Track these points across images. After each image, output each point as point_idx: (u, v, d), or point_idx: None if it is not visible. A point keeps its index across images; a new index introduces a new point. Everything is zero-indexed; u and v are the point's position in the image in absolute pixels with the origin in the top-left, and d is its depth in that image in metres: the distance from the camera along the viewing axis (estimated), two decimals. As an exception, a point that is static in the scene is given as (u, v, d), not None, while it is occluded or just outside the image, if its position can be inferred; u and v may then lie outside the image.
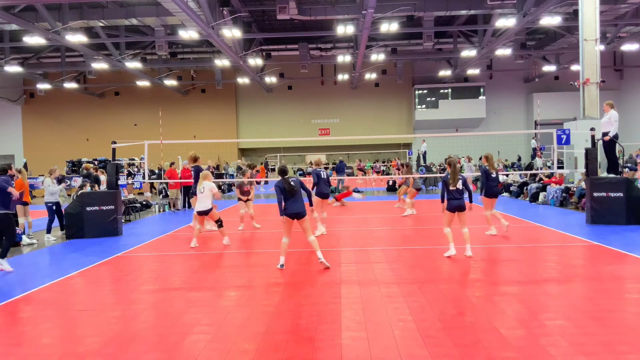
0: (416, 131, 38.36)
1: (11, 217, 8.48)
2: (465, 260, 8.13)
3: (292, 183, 7.80)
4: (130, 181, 22.58)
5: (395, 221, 13.19)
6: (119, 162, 18.21)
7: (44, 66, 32.86)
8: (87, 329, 5.43)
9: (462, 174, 8.63)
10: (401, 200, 15.69)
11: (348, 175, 28.45)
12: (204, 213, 9.98)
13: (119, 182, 13.90)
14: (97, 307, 6.20)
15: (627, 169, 14.59)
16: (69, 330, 5.46)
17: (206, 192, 9.87)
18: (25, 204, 11.98)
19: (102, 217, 11.84)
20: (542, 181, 18.11)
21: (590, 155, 11.96)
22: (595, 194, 11.57)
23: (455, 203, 8.29)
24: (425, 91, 38.27)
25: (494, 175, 10.43)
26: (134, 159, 28.75)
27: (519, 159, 31.93)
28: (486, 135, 32.88)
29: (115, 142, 12.75)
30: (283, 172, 7.96)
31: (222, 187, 24.39)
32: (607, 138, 12.10)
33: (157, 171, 25.87)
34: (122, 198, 13.58)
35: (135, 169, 26.81)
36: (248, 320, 5.51)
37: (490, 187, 10.36)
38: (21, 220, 11.77)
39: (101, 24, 22.82)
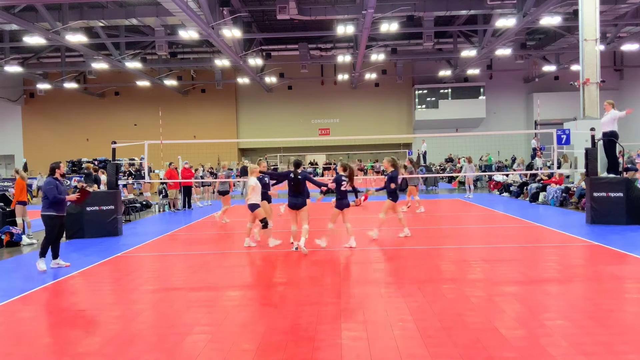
0: (416, 131, 38.36)
1: (64, 219, 8.62)
2: (463, 261, 8.13)
3: (299, 177, 8.88)
4: (130, 181, 22.56)
5: (396, 221, 13.19)
6: (119, 162, 18.21)
7: (44, 66, 32.87)
8: (87, 329, 5.42)
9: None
10: (412, 202, 15.94)
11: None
12: (252, 207, 9.41)
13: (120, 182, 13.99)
14: (97, 307, 6.19)
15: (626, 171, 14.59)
16: (69, 330, 5.46)
17: (249, 188, 9.44)
18: (24, 203, 12.00)
19: (102, 217, 11.84)
20: (542, 181, 18.11)
21: (590, 155, 11.96)
22: (595, 194, 11.57)
23: (346, 202, 9.31)
24: (425, 91, 38.27)
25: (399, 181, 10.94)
26: (134, 159, 28.75)
27: (513, 160, 31.89)
28: (486, 135, 32.89)
29: (115, 142, 12.75)
30: (297, 165, 9.02)
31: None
32: (620, 116, 11.85)
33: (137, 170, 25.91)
34: (122, 198, 13.59)
35: (135, 170, 26.79)
36: (248, 320, 5.51)
37: (396, 191, 10.76)
38: (19, 220, 11.78)
39: (101, 24, 22.82)
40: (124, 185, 18.42)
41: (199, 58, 33.36)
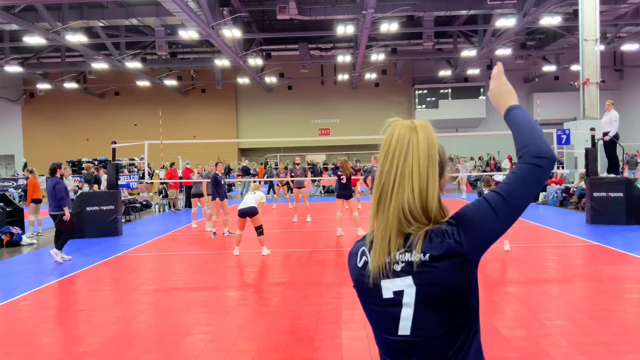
0: (416, 131, 38.28)
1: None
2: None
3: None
4: (129, 181, 22.54)
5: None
6: (119, 162, 18.19)
7: (44, 66, 32.85)
8: (87, 329, 5.42)
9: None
10: None
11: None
12: (247, 214, 8.81)
13: (121, 182, 14.10)
14: (97, 307, 6.19)
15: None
16: (69, 330, 5.46)
17: (256, 197, 9.02)
18: (39, 201, 12.19)
19: (102, 217, 11.85)
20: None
21: (590, 155, 11.96)
22: (595, 194, 11.56)
23: (343, 192, 10.75)
24: (425, 91, 38.26)
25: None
26: (134, 159, 28.72)
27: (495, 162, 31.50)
28: (486, 135, 32.89)
29: (115, 142, 12.76)
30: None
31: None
32: (607, 138, 12.10)
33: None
34: (122, 198, 13.61)
35: (135, 169, 26.76)
36: (248, 320, 5.51)
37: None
38: (32, 217, 11.98)
39: (101, 24, 22.80)
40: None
41: (199, 58, 33.34)
